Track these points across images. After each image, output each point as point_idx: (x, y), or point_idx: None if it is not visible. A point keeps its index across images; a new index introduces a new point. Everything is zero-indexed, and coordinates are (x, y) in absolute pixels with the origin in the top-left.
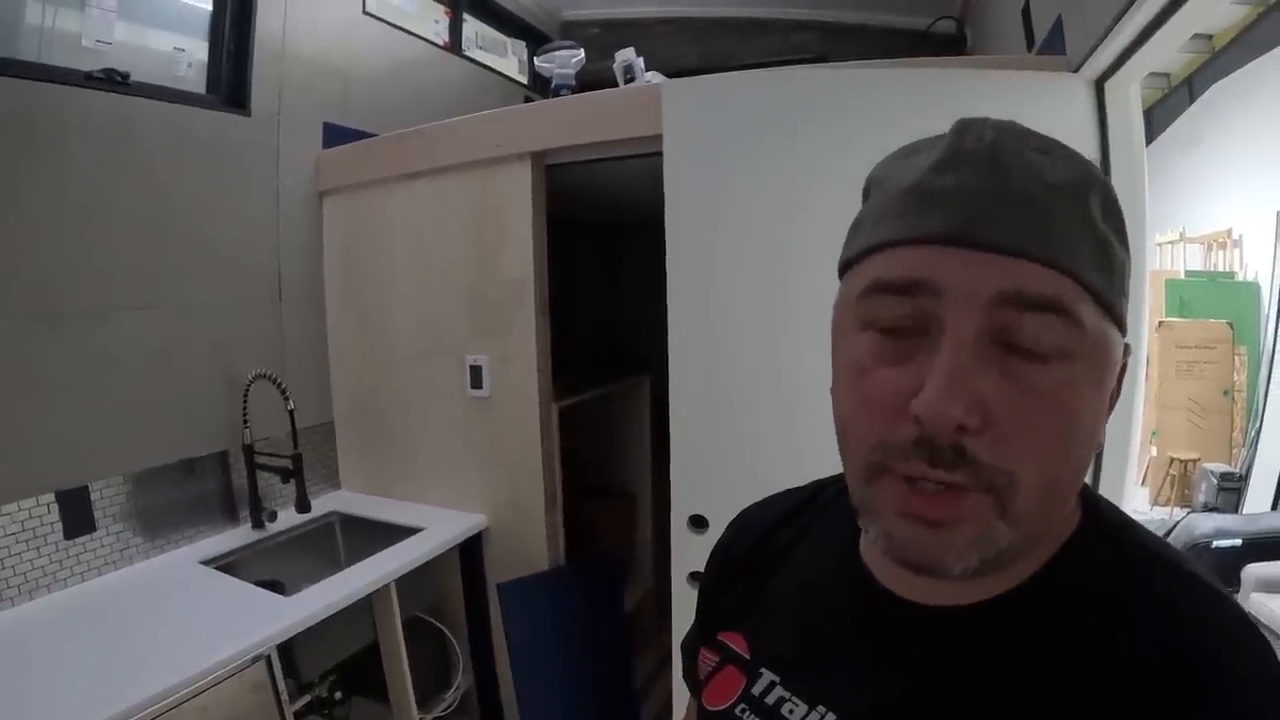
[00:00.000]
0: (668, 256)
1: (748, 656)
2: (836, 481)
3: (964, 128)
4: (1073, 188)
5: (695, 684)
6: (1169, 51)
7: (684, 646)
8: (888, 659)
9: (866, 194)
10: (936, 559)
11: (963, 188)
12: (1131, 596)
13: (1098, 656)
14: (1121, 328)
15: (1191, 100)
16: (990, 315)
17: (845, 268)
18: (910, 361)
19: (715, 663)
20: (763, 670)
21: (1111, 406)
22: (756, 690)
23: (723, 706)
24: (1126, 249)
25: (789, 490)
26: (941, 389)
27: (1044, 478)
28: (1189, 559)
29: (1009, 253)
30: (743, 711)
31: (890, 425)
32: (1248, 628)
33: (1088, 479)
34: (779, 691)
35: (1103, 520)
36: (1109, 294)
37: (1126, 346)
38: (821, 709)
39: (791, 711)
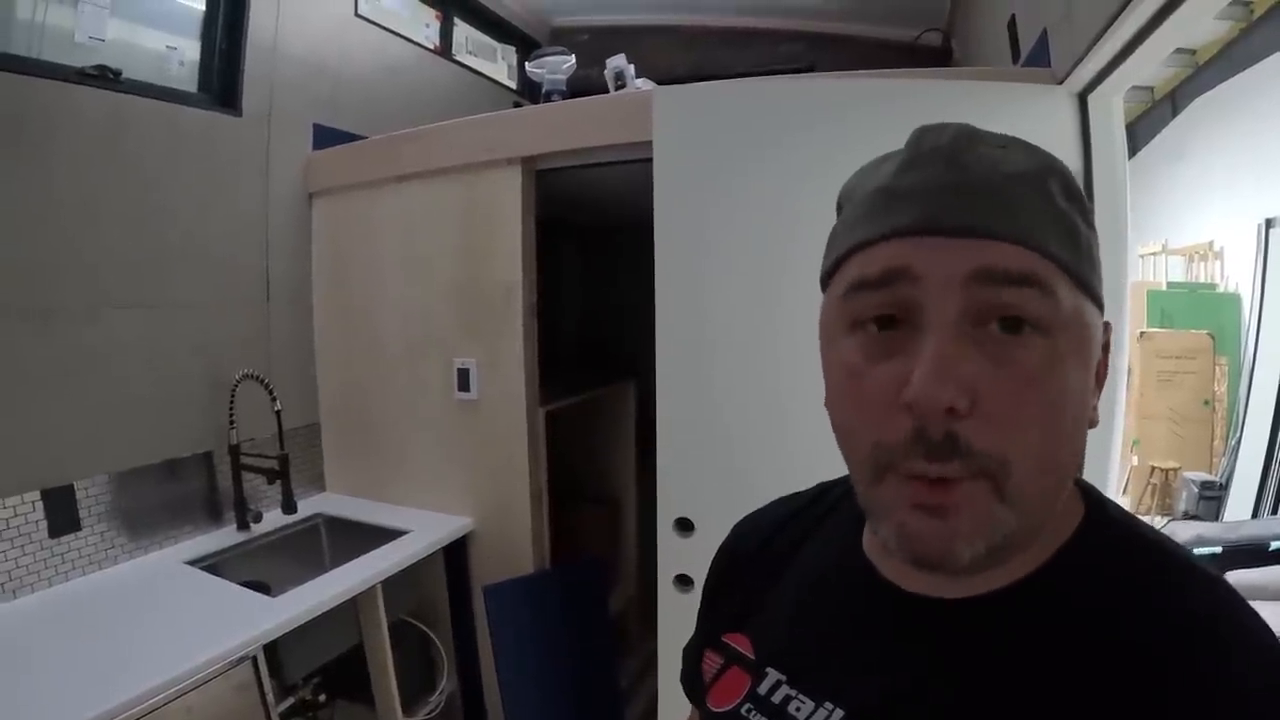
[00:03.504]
0: (656, 260)
1: (752, 656)
2: (841, 483)
3: (923, 132)
4: (1031, 174)
5: (696, 688)
6: (1152, 65)
7: (686, 652)
8: (894, 653)
9: (840, 209)
10: (947, 548)
11: (926, 182)
12: (1137, 588)
13: (1105, 647)
14: (1098, 303)
15: (1174, 114)
16: (968, 295)
17: (826, 278)
18: (897, 356)
19: (720, 665)
20: (768, 669)
21: (1100, 384)
22: (763, 689)
23: (728, 708)
24: (1092, 228)
25: (793, 494)
26: (930, 373)
27: (1037, 456)
28: (1189, 552)
29: (977, 235)
30: (749, 711)
31: (886, 422)
32: (1248, 616)
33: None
34: (785, 690)
35: (1106, 514)
36: (1081, 269)
37: (1107, 324)
38: (829, 705)
39: (799, 709)
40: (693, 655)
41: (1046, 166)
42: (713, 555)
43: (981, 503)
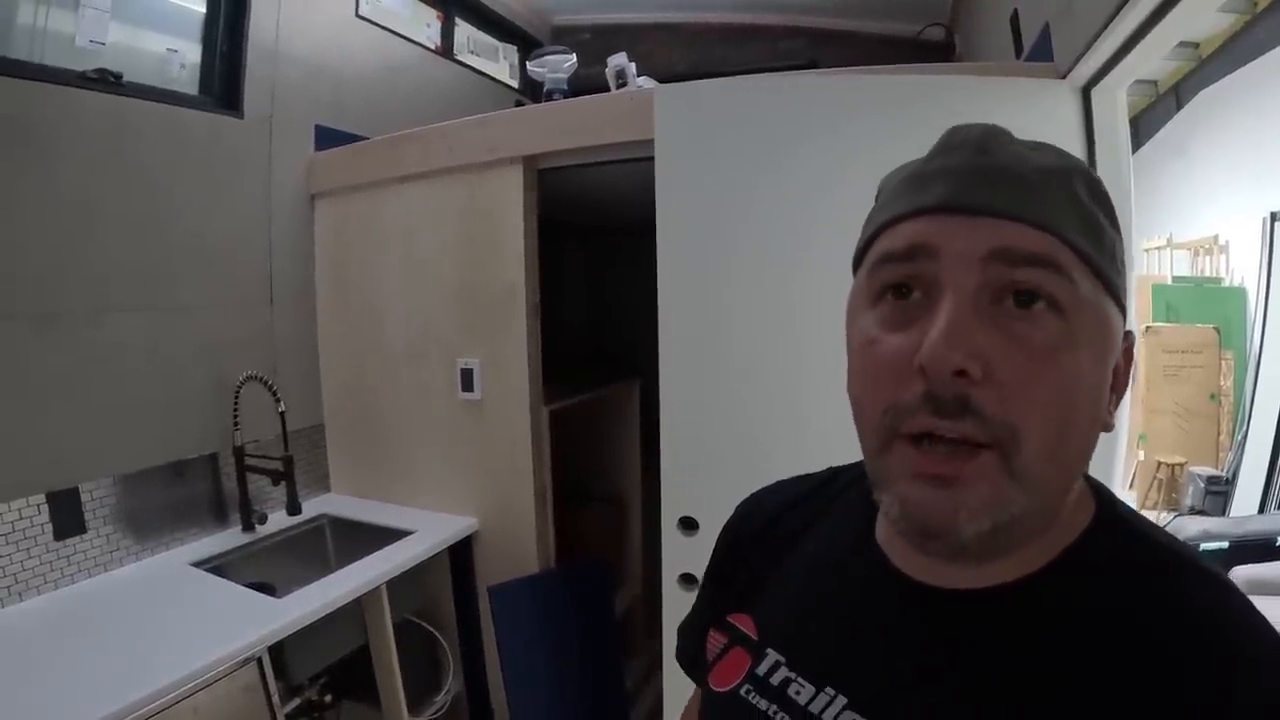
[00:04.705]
0: (659, 259)
1: (755, 637)
2: (852, 468)
3: (954, 130)
4: (1058, 170)
5: (699, 667)
6: (1154, 59)
7: (681, 629)
8: (899, 641)
9: (876, 199)
10: (949, 520)
11: (954, 166)
12: (1148, 588)
13: (1112, 646)
14: (1120, 306)
15: (1179, 107)
16: (985, 271)
17: (859, 258)
18: (914, 325)
19: (723, 644)
20: (768, 650)
21: (1119, 393)
22: (761, 670)
23: (728, 688)
24: (1118, 231)
25: (802, 475)
26: (942, 336)
27: (1046, 437)
28: (1198, 553)
29: (998, 215)
30: (747, 692)
31: (898, 387)
32: (1257, 617)
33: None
34: (784, 672)
35: (1115, 514)
36: (1101, 262)
37: (1129, 333)
38: (830, 690)
39: (798, 692)
40: (689, 633)
41: (1073, 167)
42: None
43: (992, 475)
